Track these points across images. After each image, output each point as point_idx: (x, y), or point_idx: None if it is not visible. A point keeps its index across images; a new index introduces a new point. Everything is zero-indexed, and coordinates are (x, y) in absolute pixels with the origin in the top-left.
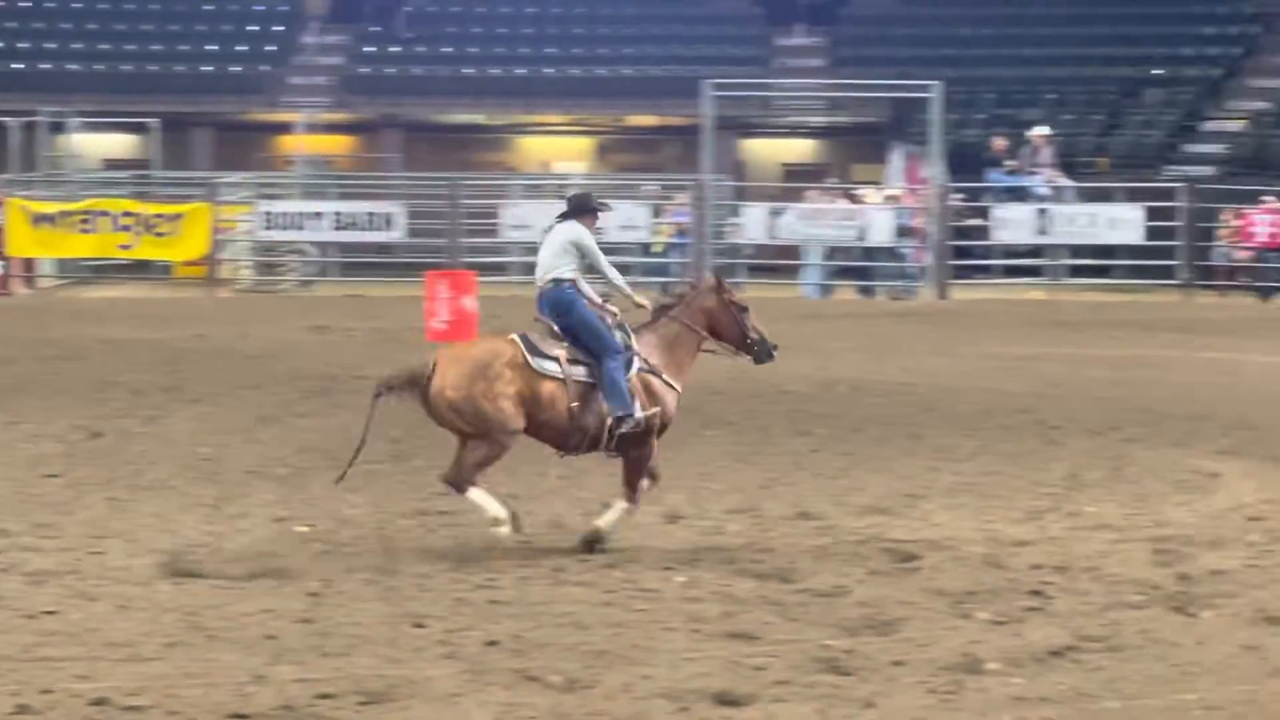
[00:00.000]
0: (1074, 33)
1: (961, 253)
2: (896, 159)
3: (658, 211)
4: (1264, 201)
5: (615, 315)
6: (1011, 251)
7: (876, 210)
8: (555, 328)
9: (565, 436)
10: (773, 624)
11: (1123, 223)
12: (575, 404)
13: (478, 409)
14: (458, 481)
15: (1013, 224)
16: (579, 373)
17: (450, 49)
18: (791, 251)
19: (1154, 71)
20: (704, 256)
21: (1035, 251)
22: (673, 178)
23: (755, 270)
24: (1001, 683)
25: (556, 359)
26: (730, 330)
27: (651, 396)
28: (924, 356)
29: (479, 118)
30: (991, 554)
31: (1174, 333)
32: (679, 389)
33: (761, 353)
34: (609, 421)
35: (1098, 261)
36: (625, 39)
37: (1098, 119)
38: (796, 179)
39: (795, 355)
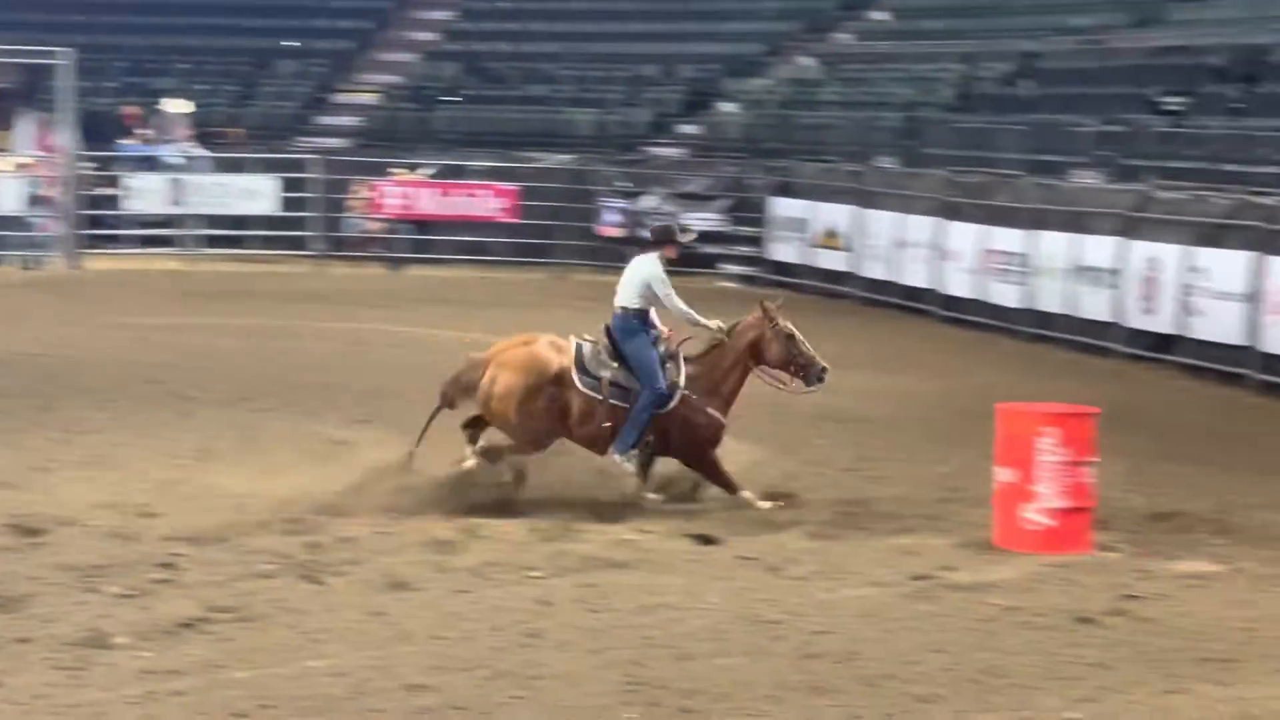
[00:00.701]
0: (207, 2)
1: (94, 222)
2: (25, 126)
3: None
4: (393, 174)
5: (669, 343)
6: (145, 221)
7: (6, 178)
8: (614, 348)
9: (597, 445)
10: None
11: (256, 193)
12: (608, 423)
13: (515, 424)
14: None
15: (145, 193)
16: (617, 396)
17: None
18: None
19: (286, 43)
20: None
21: (169, 221)
22: None
23: None
24: (130, 656)
25: (600, 381)
26: (778, 358)
27: (689, 427)
28: (55, 327)
29: None
30: (121, 527)
31: (307, 303)
32: (722, 419)
33: (810, 376)
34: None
35: (232, 232)
36: None
37: (231, 89)
38: None
39: None
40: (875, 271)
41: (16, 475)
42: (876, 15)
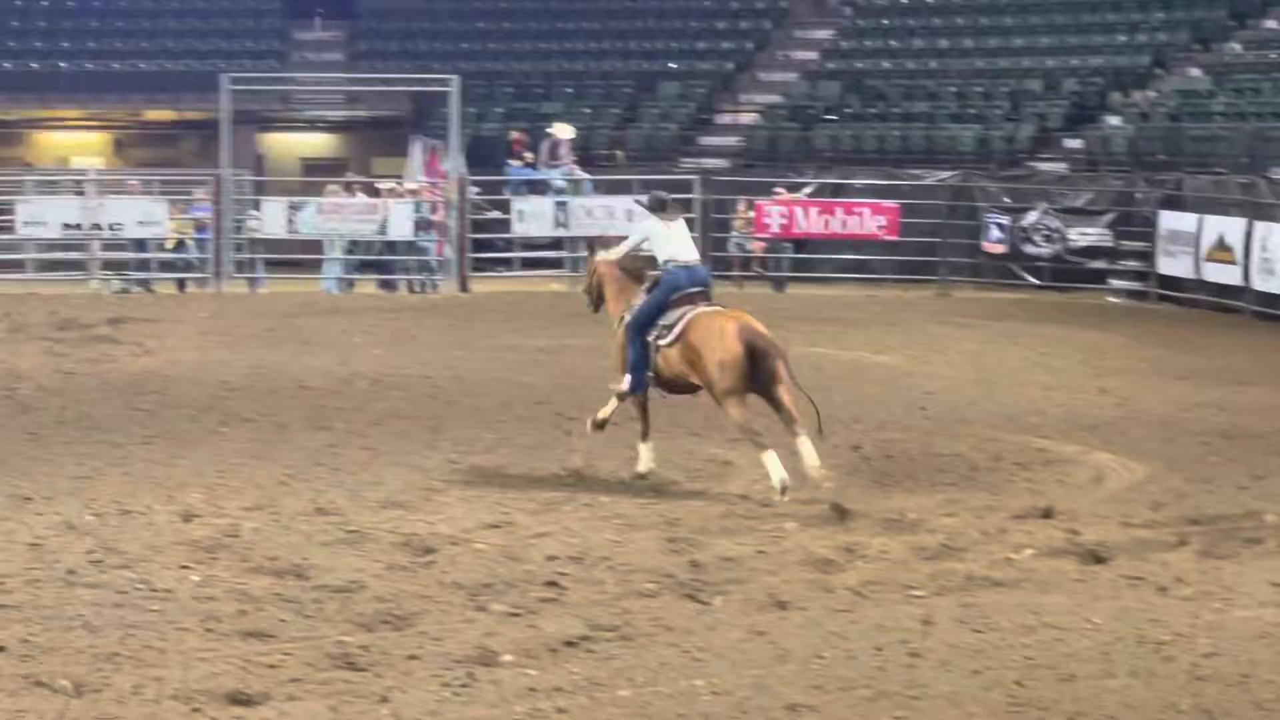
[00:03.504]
0: (590, 27)
1: (481, 245)
2: (416, 152)
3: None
4: (775, 193)
5: None
6: (531, 244)
7: (397, 204)
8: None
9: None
10: (288, 621)
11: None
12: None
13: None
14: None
15: (531, 216)
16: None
17: None
18: (313, 246)
19: (669, 65)
20: (223, 251)
21: (554, 244)
22: (191, 173)
23: (275, 265)
24: (516, 674)
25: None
26: None
27: None
28: (444, 349)
29: None
30: (508, 546)
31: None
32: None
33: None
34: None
35: None
36: (141, 32)
37: (614, 112)
38: (316, 173)
39: (316, 350)
40: (1269, 285)
41: (409, 495)
42: (1269, 24)
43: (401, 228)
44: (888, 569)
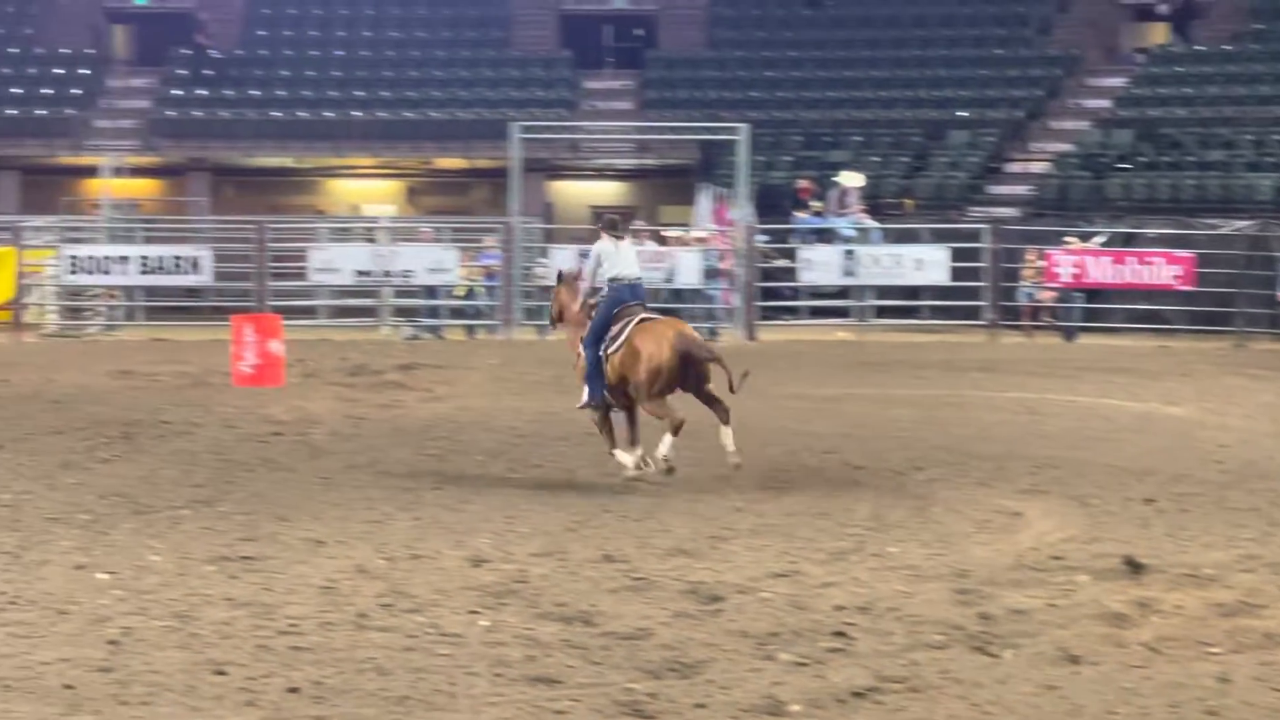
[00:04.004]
0: (879, 75)
1: (769, 294)
2: (704, 200)
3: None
4: (1067, 242)
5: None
6: (818, 292)
7: (684, 251)
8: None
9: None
10: (576, 667)
11: (928, 263)
12: None
13: None
14: None
15: (819, 265)
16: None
17: (257, 91)
18: None
19: (959, 113)
20: (513, 298)
21: (842, 292)
22: (481, 220)
23: None
24: None
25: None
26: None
27: None
28: (732, 399)
29: (286, 160)
30: (795, 595)
31: (979, 372)
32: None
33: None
34: None
35: (904, 302)
36: (433, 81)
37: (903, 160)
38: None
39: None
40: None
41: (695, 543)
42: None
43: (689, 275)
44: (1183, 625)
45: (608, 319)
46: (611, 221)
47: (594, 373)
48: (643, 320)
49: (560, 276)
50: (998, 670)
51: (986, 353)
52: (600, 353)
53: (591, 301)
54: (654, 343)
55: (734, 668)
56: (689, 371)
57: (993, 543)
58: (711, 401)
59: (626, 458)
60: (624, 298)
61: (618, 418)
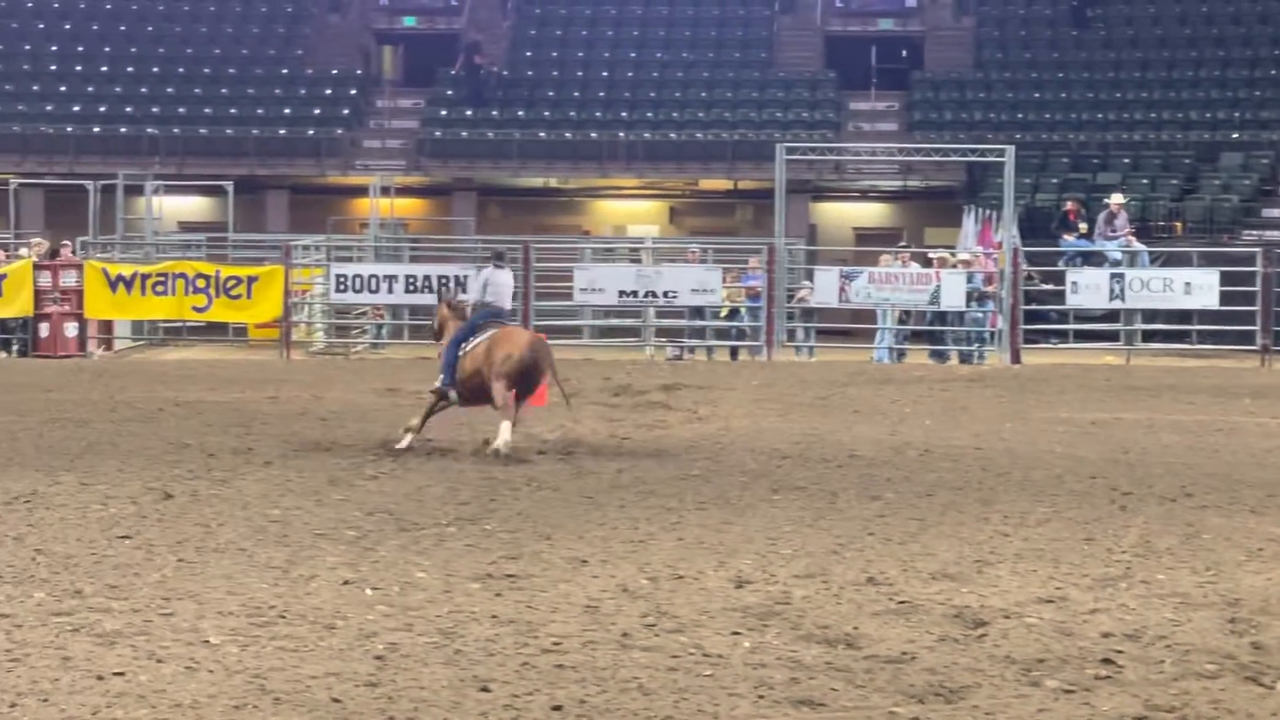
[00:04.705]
0: (1148, 97)
1: (1034, 317)
2: (969, 223)
3: (731, 275)
4: None
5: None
6: (1085, 316)
7: (949, 274)
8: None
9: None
10: (839, 691)
11: (1199, 287)
12: None
13: None
14: None
15: (1087, 289)
16: None
17: (523, 112)
18: (863, 315)
19: (1232, 135)
20: (776, 320)
21: (1110, 316)
22: (745, 241)
23: (827, 334)
24: None
25: None
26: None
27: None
28: (996, 421)
29: (552, 181)
30: (1061, 621)
31: (1250, 398)
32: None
33: None
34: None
35: (1173, 326)
36: (698, 102)
37: (1173, 183)
38: (869, 242)
39: (867, 419)
40: None
41: (961, 566)
42: None
43: (954, 298)
44: None
45: (473, 327)
46: (499, 254)
47: (450, 363)
48: (507, 326)
49: (441, 297)
50: (1271, 701)
51: (1259, 378)
52: (459, 351)
53: (460, 309)
54: (516, 337)
55: (999, 694)
56: (532, 375)
57: (1265, 571)
58: (520, 405)
59: (407, 440)
60: (492, 313)
61: (445, 414)
